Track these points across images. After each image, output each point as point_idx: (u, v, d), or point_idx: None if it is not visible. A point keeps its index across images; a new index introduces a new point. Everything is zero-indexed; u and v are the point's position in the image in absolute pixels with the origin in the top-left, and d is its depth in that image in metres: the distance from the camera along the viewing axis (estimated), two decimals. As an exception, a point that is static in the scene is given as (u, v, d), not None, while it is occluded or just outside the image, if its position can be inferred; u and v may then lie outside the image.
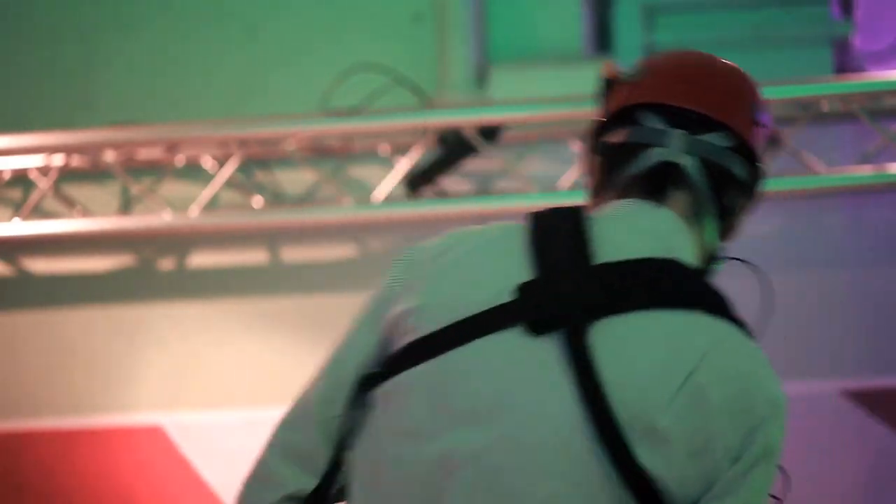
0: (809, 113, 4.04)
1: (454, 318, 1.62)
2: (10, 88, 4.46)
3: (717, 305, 1.70)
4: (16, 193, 4.36)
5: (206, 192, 4.20)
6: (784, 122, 4.07)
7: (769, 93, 3.92)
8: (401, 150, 4.22)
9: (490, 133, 4.14)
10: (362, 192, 4.18)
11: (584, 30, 4.42)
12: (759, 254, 4.27)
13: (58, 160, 4.25)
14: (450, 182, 4.23)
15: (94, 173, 4.34)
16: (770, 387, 1.66)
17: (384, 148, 4.26)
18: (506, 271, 1.64)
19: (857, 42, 4.50)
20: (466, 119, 4.06)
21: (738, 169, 1.77)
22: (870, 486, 4.03)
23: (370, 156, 4.28)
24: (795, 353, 4.10)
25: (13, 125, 4.21)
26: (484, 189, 4.25)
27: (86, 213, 4.29)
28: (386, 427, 1.64)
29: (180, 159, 4.31)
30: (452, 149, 4.16)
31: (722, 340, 1.65)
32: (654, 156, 1.74)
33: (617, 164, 1.76)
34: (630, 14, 4.52)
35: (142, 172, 4.31)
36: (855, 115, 3.99)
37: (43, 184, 4.27)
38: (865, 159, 3.99)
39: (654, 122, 1.75)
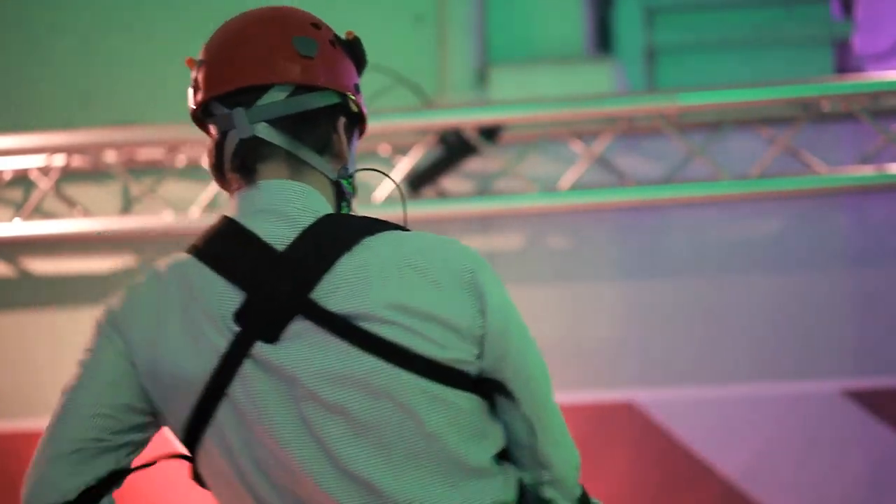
0: (810, 113, 4.04)
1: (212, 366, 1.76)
2: (11, 89, 4.47)
3: (373, 227, 1.81)
4: (16, 193, 4.37)
5: (207, 193, 4.20)
6: (784, 121, 4.08)
7: (770, 93, 3.97)
8: (401, 150, 4.22)
9: (490, 133, 4.14)
10: (363, 193, 4.18)
11: (585, 30, 4.43)
12: (759, 253, 4.30)
13: (59, 160, 4.25)
14: (450, 182, 4.23)
15: (95, 174, 4.34)
16: (462, 248, 1.82)
17: (385, 148, 4.26)
18: (226, 306, 1.77)
19: (858, 42, 4.51)
20: (467, 119, 4.06)
21: (312, 103, 1.84)
22: (870, 484, 4.04)
23: (371, 156, 4.28)
24: (796, 352, 4.10)
25: (14, 125, 4.21)
26: (484, 189, 4.26)
27: (86, 213, 4.29)
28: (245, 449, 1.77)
29: (181, 160, 4.31)
30: (453, 149, 4.16)
31: (403, 243, 1.79)
32: (230, 140, 1.84)
33: (215, 156, 1.86)
34: (631, 14, 4.53)
35: (142, 173, 4.32)
36: (855, 115, 3.99)
37: (44, 184, 4.27)
38: (866, 159, 3.99)
39: (219, 110, 1.85)
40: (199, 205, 4.19)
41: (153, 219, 4.20)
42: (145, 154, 4.30)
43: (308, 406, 1.73)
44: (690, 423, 4.11)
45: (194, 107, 1.88)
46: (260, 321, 1.74)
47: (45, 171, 4.27)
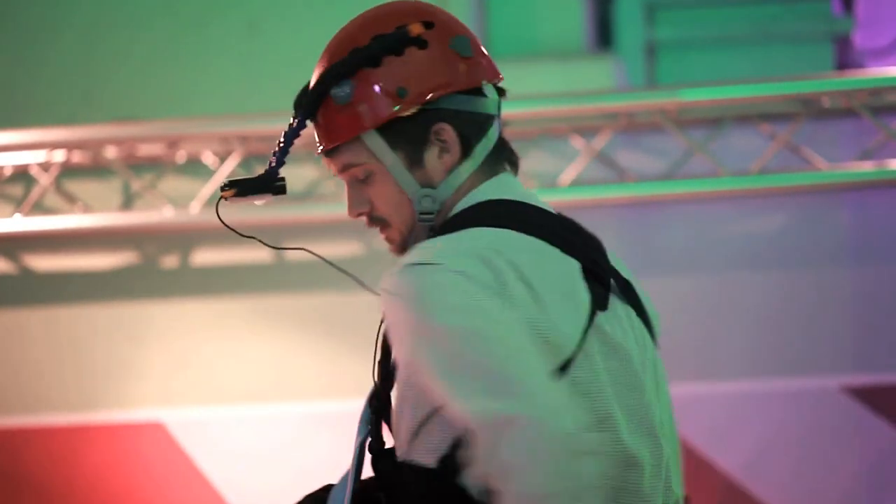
0: (810, 109, 4.04)
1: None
2: (12, 84, 4.47)
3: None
4: (17, 189, 4.36)
5: (207, 189, 4.20)
6: (785, 118, 4.08)
7: (770, 89, 3.96)
8: (402, 146, 4.22)
9: (491, 129, 4.13)
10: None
11: (585, 26, 4.43)
12: (759, 249, 4.30)
13: (59, 156, 4.25)
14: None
15: (95, 169, 4.34)
16: None
17: (385, 144, 4.25)
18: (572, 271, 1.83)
19: (858, 38, 4.50)
20: (467, 115, 4.05)
21: None
22: (870, 481, 4.04)
23: (371, 152, 4.27)
24: (795, 349, 4.10)
25: (14, 121, 4.21)
26: (485, 185, 4.25)
27: (87, 209, 4.29)
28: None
29: (181, 155, 4.31)
30: (453, 145, 4.15)
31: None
32: (497, 127, 1.90)
33: (474, 135, 1.89)
34: (631, 10, 4.53)
35: (143, 168, 4.32)
36: (856, 111, 3.99)
37: (44, 180, 4.27)
38: (866, 155, 3.99)
39: (493, 94, 1.91)
40: (199, 200, 4.19)
41: (154, 214, 4.19)
42: (145, 150, 4.29)
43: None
44: (690, 420, 4.11)
45: (471, 79, 1.88)
46: (597, 289, 1.81)
47: (45, 166, 4.27)
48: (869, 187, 4.04)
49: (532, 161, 4.21)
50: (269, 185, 1.93)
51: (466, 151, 1.87)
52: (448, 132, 1.87)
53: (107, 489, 4.26)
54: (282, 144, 1.94)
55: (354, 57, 1.89)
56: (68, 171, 4.31)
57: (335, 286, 4.27)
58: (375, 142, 1.89)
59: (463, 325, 1.69)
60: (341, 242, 4.29)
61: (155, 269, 4.38)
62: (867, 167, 3.97)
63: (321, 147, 1.95)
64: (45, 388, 4.35)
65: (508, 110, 4.03)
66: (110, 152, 4.25)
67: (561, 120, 4.14)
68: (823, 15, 4.49)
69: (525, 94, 4.04)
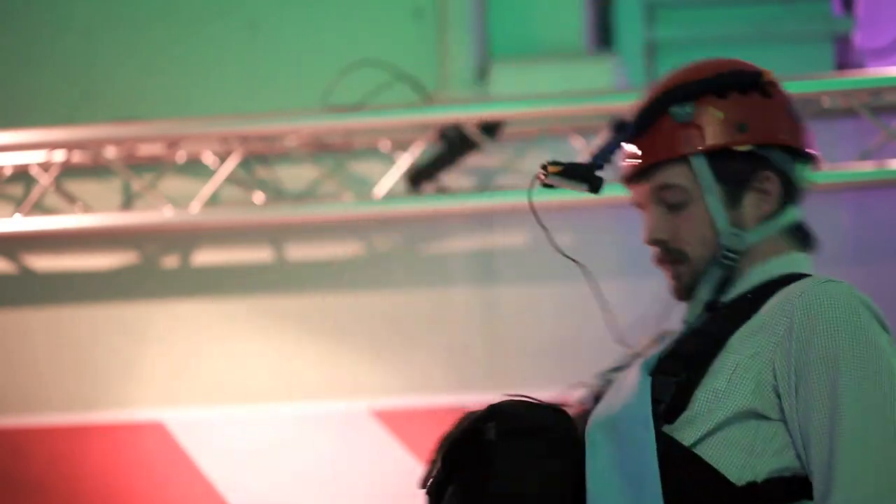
0: (810, 109, 4.04)
1: None
2: (12, 84, 4.47)
3: None
4: (17, 189, 4.36)
5: (207, 188, 4.20)
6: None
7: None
8: (401, 146, 4.22)
9: (491, 129, 4.14)
10: (363, 189, 4.19)
11: (585, 25, 4.42)
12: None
13: (59, 156, 4.25)
14: (450, 178, 4.23)
15: (95, 169, 4.34)
16: None
17: (385, 144, 4.26)
18: None
19: (858, 38, 4.50)
20: (467, 115, 4.06)
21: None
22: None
23: (371, 152, 4.28)
24: (796, 349, 4.10)
25: (14, 121, 4.21)
26: (485, 185, 4.25)
27: (87, 209, 4.29)
28: None
29: (181, 155, 4.31)
30: (453, 145, 4.16)
31: None
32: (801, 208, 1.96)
33: (792, 197, 1.94)
34: (631, 10, 4.52)
35: (143, 168, 4.32)
36: (856, 111, 3.99)
37: (44, 180, 4.27)
38: (866, 155, 3.99)
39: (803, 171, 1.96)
40: (199, 200, 4.19)
41: (154, 214, 4.20)
42: (145, 149, 4.29)
43: None
44: (690, 419, 4.10)
45: (806, 148, 1.97)
46: None
47: (45, 166, 4.27)
48: (869, 187, 4.04)
49: (532, 161, 4.20)
50: (591, 176, 2.01)
51: (780, 209, 1.91)
52: (773, 182, 1.89)
53: (107, 489, 4.26)
54: (602, 148, 2.00)
55: (701, 84, 1.91)
56: (68, 171, 4.31)
57: (334, 284, 4.27)
58: (702, 167, 1.89)
59: (889, 357, 1.80)
60: (341, 243, 4.29)
61: (155, 269, 4.37)
62: (867, 167, 3.98)
63: (639, 163, 1.94)
64: (45, 388, 4.35)
65: (509, 110, 4.07)
66: (110, 152, 4.25)
67: (561, 120, 4.14)
68: (823, 15, 4.48)
69: (525, 94, 4.04)
